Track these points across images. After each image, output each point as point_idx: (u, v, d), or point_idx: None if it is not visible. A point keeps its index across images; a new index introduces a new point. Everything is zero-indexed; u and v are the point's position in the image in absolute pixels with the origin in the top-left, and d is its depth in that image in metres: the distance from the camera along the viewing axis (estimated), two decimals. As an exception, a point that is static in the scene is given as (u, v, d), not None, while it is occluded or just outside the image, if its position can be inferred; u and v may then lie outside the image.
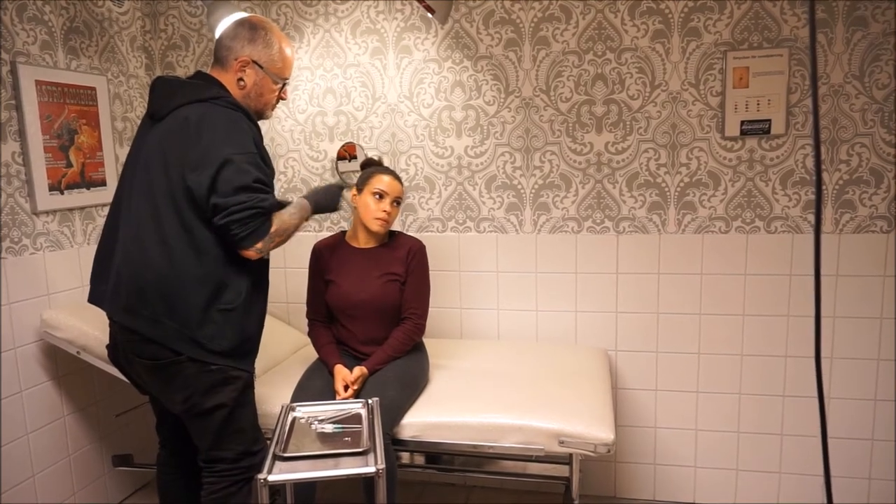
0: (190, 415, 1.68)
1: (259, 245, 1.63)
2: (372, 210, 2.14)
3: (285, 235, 1.72)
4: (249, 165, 1.59)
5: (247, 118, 1.68)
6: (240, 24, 1.75)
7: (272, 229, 1.65)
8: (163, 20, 2.80)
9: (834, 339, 2.38)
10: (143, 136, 1.71)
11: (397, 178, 2.19)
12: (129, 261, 1.62)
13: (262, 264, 1.76)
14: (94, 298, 1.75)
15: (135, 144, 1.74)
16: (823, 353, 2.40)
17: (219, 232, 1.60)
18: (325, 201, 1.91)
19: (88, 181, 2.47)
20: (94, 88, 2.48)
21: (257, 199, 1.59)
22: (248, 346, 1.73)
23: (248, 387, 1.74)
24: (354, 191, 2.21)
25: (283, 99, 1.86)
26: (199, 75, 1.75)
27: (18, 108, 2.17)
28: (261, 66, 1.74)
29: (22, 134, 2.18)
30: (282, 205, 1.73)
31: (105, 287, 1.70)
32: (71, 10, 2.40)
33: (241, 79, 1.73)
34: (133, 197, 1.65)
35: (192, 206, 1.59)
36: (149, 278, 1.60)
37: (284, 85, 1.83)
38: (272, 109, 1.86)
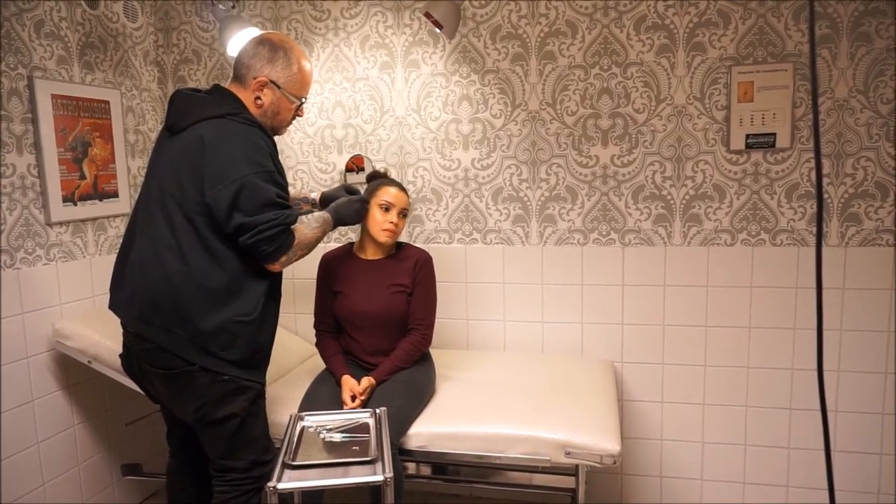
0: (201, 424, 1.70)
1: (283, 259, 1.70)
2: (379, 221, 2.16)
3: (307, 248, 1.77)
4: (268, 183, 1.64)
5: (263, 133, 1.71)
6: (260, 42, 1.77)
7: (294, 242, 1.71)
8: (175, 35, 2.86)
9: (840, 353, 2.38)
10: (161, 148, 1.75)
11: (403, 189, 2.21)
12: (145, 271, 1.65)
13: (276, 276, 1.79)
14: (112, 305, 1.78)
15: (153, 155, 1.78)
16: (830, 367, 2.40)
17: (246, 249, 1.64)
18: (347, 215, 1.95)
19: (101, 193, 2.51)
20: (107, 102, 2.53)
21: (283, 216, 1.65)
22: (260, 356, 1.75)
23: (260, 397, 1.76)
24: None
25: (299, 116, 1.88)
26: (216, 89, 1.78)
27: (34, 121, 2.21)
28: (278, 87, 1.76)
29: (37, 146, 2.22)
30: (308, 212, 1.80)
31: (122, 295, 1.73)
32: (86, 26, 2.45)
33: (258, 97, 1.76)
34: (150, 208, 1.69)
35: (207, 219, 1.62)
36: (163, 289, 1.62)
37: (302, 103, 1.85)
38: (288, 126, 1.88)
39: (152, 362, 1.68)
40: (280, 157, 2.78)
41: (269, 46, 1.76)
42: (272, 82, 1.75)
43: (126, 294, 1.70)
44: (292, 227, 1.71)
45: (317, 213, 1.87)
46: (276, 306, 1.81)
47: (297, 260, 1.76)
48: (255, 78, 1.74)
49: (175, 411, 1.79)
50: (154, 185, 1.70)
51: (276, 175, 1.68)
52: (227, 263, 1.65)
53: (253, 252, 1.65)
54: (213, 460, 1.75)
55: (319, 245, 2.76)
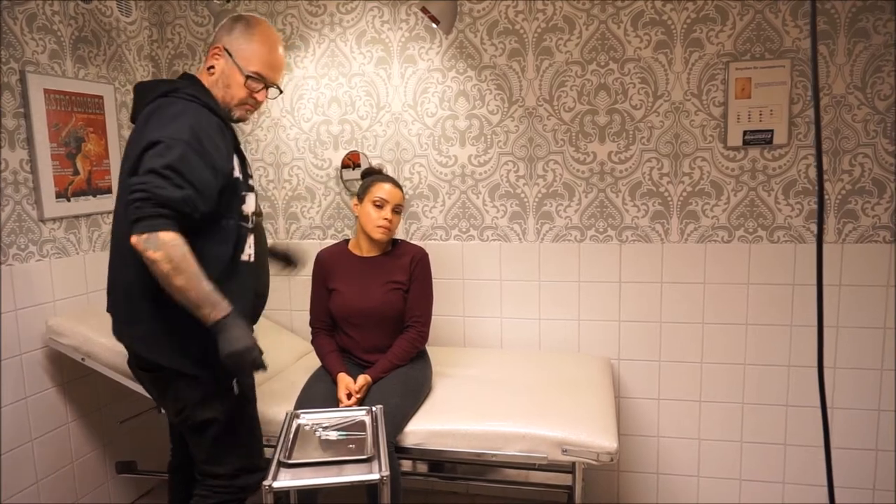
0: (185, 427, 1.67)
1: (143, 237, 1.39)
2: (373, 219, 2.15)
3: (171, 264, 1.40)
4: (167, 149, 1.43)
5: (205, 110, 1.56)
6: (233, 17, 1.71)
7: (163, 237, 1.40)
8: (170, 29, 2.83)
9: (837, 349, 2.38)
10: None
11: (397, 185, 2.20)
12: (112, 271, 1.63)
13: (241, 268, 1.62)
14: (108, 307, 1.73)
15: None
16: (826, 363, 2.40)
17: None
18: (231, 352, 1.46)
19: (95, 189, 2.49)
20: (101, 97, 2.50)
21: (154, 186, 1.40)
22: None
23: (246, 402, 1.70)
24: (356, 200, 2.22)
25: (257, 101, 1.70)
26: (184, 76, 1.71)
27: (27, 116, 2.19)
28: (230, 55, 1.65)
29: (30, 142, 2.20)
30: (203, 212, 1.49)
31: (109, 296, 1.70)
32: (79, 20, 2.42)
33: (211, 66, 1.67)
34: (117, 206, 1.62)
35: None
36: (122, 290, 1.59)
37: (264, 86, 1.69)
38: (245, 111, 1.71)
39: (138, 363, 1.66)
40: (275, 153, 2.80)
41: (235, 18, 1.69)
42: (225, 49, 1.65)
43: (109, 295, 1.68)
44: (174, 220, 1.42)
45: (207, 282, 1.46)
46: (244, 302, 1.62)
47: (153, 262, 1.40)
48: (212, 45, 1.68)
49: (165, 412, 1.77)
50: (121, 180, 1.61)
51: (186, 148, 1.44)
52: None
53: None
54: (197, 463, 1.71)
55: (316, 242, 2.75)
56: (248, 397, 1.72)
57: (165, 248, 1.40)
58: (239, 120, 1.72)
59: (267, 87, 1.71)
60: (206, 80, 1.66)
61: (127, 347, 1.67)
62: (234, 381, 1.66)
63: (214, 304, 1.45)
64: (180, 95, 1.55)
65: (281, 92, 1.78)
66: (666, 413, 2.57)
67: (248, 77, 1.65)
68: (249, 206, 1.66)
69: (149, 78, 2.82)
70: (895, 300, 2.31)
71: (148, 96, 1.58)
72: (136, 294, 1.55)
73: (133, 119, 1.63)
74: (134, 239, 1.40)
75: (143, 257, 1.41)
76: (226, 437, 1.66)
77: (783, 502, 2.51)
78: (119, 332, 1.65)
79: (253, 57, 1.66)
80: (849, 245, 2.33)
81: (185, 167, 1.44)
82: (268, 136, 2.79)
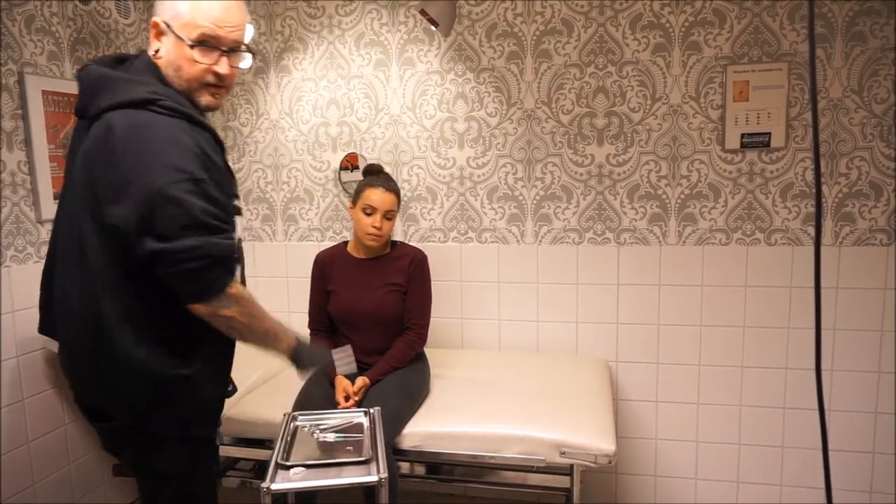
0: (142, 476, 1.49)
1: (211, 304, 1.28)
2: (363, 225, 2.14)
3: (248, 316, 1.33)
4: (191, 195, 1.21)
5: (189, 123, 1.28)
6: None
7: (231, 292, 1.29)
8: (168, 31, 2.83)
9: (834, 352, 2.38)
10: (77, 142, 1.36)
11: (390, 189, 2.17)
12: (60, 308, 1.38)
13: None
14: (47, 328, 1.50)
15: (71, 149, 1.40)
16: (824, 366, 2.40)
17: (161, 283, 1.26)
18: (308, 357, 1.50)
19: (93, 190, 2.48)
20: (99, 98, 2.50)
21: (209, 245, 1.23)
22: (208, 408, 1.48)
23: (209, 458, 1.50)
24: (351, 203, 2.22)
25: (219, 75, 1.36)
26: (137, 60, 1.37)
27: (25, 117, 2.18)
28: (170, 27, 1.31)
29: (28, 143, 2.20)
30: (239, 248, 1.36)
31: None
32: (78, 22, 2.42)
33: (157, 50, 1.34)
34: (65, 222, 1.36)
35: (118, 247, 1.25)
36: (73, 331, 1.36)
37: (220, 53, 1.33)
38: (211, 95, 1.38)
39: (91, 414, 1.48)
40: (274, 155, 2.80)
41: None
42: (165, 23, 1.31)
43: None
44: (235, 270, 1.31)
45: (283, 323, 1.43)
46: (230, 350, 1.46)
47: (225, 319, 1.30)
48: (152, 25, 1.34)
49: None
50: (68, 195, 1.34)
51: (206, 184, 1.24)
52: (145, 300, 1.29)
53: (174, 290, 1.26)
54: None
55: (314, 243, 2.74)
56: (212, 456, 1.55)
57: (238, 301, 1.31)
58: (208, 109, 1.40)
59: (224, 52, 1.34)
60: (163, 70, 1.34)
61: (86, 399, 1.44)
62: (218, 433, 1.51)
63: (287, 331, 1.43)
64: (157, 110, 1.25)
65: (254, 55, 1.46)
66: (664, 415, 2.57)
67: (193, 46, 1.31)
68: (237, 232, 1.39)
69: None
70: (893, 303, 2.31)
71: (108, 94, 1.27)
72: (93, 341, 1.32)
73: (83, 112, 1.31)
74: (201, 308, 1.28)
75: (213, 320, 1.30)
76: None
77: (781, 504, 2.52)
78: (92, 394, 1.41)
79: (193, 17, 1.30)
80: (846, 248, 2.34)
81: (217, 208, 1.27)
82: (266, 137, 2.79)
